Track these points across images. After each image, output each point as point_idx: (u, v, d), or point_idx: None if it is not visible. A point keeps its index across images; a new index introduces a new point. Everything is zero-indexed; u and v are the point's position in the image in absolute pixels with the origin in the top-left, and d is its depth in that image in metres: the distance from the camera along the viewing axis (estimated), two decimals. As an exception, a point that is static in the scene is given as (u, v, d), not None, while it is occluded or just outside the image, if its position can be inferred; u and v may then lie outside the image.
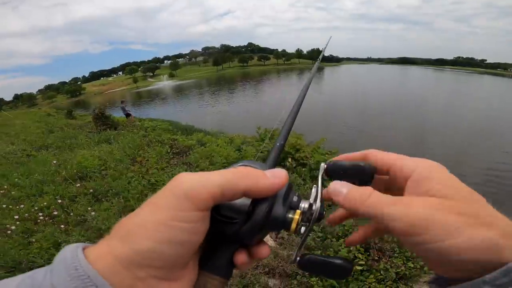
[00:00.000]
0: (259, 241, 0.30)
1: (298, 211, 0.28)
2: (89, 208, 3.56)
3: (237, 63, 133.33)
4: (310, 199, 0.29)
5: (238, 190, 0.25)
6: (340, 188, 0.29)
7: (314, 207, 0.28)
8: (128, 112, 12.47)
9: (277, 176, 0.27)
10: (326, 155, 5.79)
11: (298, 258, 0.30)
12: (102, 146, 6.48)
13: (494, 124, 22.67)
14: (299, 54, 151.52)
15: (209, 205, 0.24)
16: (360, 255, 2.62)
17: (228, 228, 0.27)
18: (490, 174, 12.62)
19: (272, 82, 61.42)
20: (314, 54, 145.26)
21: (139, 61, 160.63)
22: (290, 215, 0.28)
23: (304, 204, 0.29)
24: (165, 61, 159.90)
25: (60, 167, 4.95)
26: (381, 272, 2.50)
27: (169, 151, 5.78)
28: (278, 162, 0.35)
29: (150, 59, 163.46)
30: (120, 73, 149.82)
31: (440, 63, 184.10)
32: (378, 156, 0.31)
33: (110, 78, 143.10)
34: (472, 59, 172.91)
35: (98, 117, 8.90)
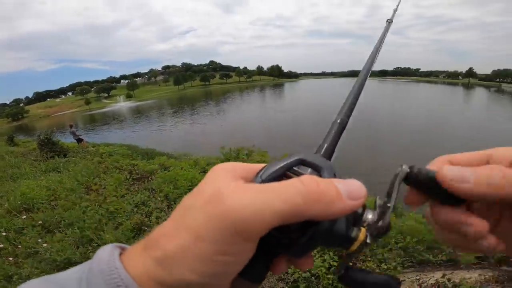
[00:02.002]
0: (307, 257, 0.25)
1: (363, 229, 0.23)
2: (39, 240, 3.42)
3: (199, 82, 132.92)
4: (376, 210, 0.23)
5: (303, 218, 0.20)
6: (464, 172, 0.21)
7: (380, 222, 0.23)
8: (80, 136, 11.51)
9: (355, 197, 0.21)
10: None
11: (342, 271, 0.24)
12: (50, 175, 6.03)
13: (435, 125, 25.76)
14: (260, 71, 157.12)
15: (263, 234, 0.20)
16: (334, 263, 2.64)
17: (277, 242, 0.22)
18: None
19: (235, 101, 62.26)
20: (274, 70, 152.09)
21: (92, 80, 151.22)
22: (353, 234, 0.22)
23: (369, 216, 0.23)
24: (122, 81, 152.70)
25: (2, 198, 4.67)
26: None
27: (128, 177, 5.43)
28: (332, 155, 0.28)
29: (104, 78, 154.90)
30: (70, 93, 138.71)
31: (383, 74, 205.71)
32: (471, 156, 0.25)
33: (58, 100, 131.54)
34: (408, 68, 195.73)
35: (44, 143, 8.02)
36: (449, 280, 2.39)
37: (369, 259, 2.84)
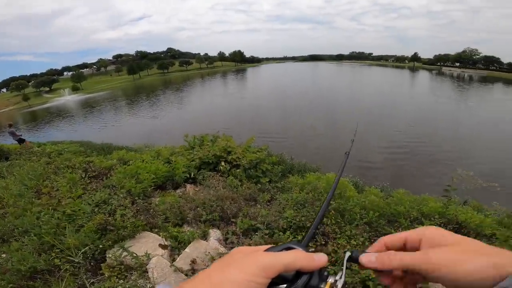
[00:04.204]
0: None
1: (329, 282, 0.38)
2: (-4, 251, 3.07)
3: (157, 70, 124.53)
4: (336, 276, 0.40)
5: (296, 267, 0.37)
6: (369, 258, 0.41)
7: (338, 283, 0.39)
8: (21, 137, 10.26)
9: (321, 260, 0.39)
10: (257, 152, 6.03)
11: None
12: (-8, 182, 5.29)
13: (385, 106, 28.02)
14: (221, 56, 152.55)
15: (274, 275, 0.35)
16: (309, 244, 2.81)
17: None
18: (389, 151, 15.55)
19: (196, 87, 60.01)
20: (236, 56, 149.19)
21: (29, 74, 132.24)
22: (322, 286, 0.38)
23: (331, 279, 0.39)
24: (65, 73, 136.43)
25: None
26: (332, 254, 2.65)
27: (84, 175, 5.02)
28: (311, 239, 0.49)
29: (44, 71, 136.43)
30: (4, 90, 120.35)
31: (339, 58, 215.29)
32: (394, 238, 0.43)
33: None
34: (362, 53, 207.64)
35: (-23, 149, 7.00)
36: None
37: (339, 236, 3.02)
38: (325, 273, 0.40)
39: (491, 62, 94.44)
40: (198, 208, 3.69)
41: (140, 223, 3.22)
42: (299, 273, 0.38)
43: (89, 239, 2.86)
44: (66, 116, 37.34)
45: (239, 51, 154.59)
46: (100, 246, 2.80)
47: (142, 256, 2.68)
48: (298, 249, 0.41)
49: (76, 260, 2.63)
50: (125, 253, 2.61)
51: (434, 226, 0.42)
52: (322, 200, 3.51)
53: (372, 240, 2.98)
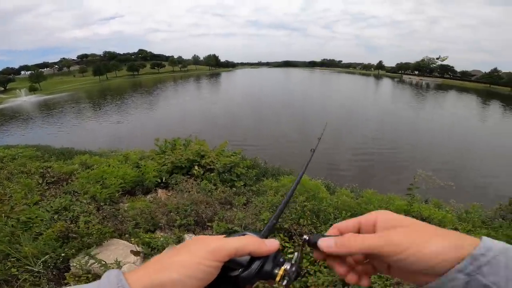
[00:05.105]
0: (250, 286, 0.40)
1: (282, 268, 0.39)
2: None
3: (126, 72, 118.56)
4: (292, 261, 0.40)
5: (246, 251, 0.38)
6: (328, 242, 0.40)
7: (293, 268, 0.39)
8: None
9: (272, 245, 0.40)
10: (232, 156, 5.99)
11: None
12: None
13: (351, 112, 29.59)
14: (195, 60, 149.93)
15: (225, 260, 0.36)
16: (287, 244, 2.81)
17: (231, 273, 0.38)
18: (359, 152, 16.40)
19: (168, 90, 58.33)
20: (211, 60, 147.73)
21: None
22: (276, 270, 0.39)
23: (286, 266, 0.40)
24: (23, 72, 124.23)
25: None
26: (310, 254, 2.70)
27: (41, 181, 4.59)
28: (271, 231, 0.49)
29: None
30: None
31: (312, 65, 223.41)
32: (348, 223, 0.42)
33: None
34: (333, 60, 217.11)
35: None
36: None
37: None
38: (281, 259, 0.41)
39: (445, 70, 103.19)
40: (172, 213, 3.55)
41: (108, 230, 3.01)
42: (253, 259, 0.39)
43: (49, 248, 2.63)
44: (22, 118, 33.95)
45: (214, 55, 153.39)
46: (62, 254, 2.60)
47: (111, 263, 2.51)
48: (252, 235, 0.41)
49: (36, 269, 2.44)
50: (92, 261, 2.42)
51: (386, 210, 0.41)
52: (297, 202, 3.57)
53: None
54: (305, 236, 0.43)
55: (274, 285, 0.39)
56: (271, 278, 0.39)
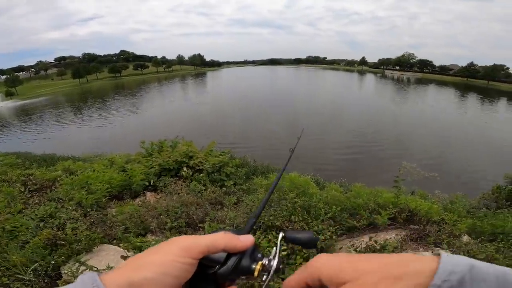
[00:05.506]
0: (231, 282, 0.40)
1: (260, 263, 0.40)
2: None
3: (107, 74, 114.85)
4: (270, 256, 0.41)
5: (218, 248, 0.38)
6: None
7: (272, 262, 0.40)
8: None
9: (246, 240, 0.40)
10: (220, 156, 5.97)
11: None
12: None
13: (340, 108, 30.12)
14: (180, 60, 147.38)
15: (199, 257, 0.37)
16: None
17: (209, 271, 0.38)
18: (348, 147, 16.72)
19: (152, 92, 57.13)
20: (196, 59, 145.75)
21: None
22: (253, 266, 0.39)
23: (265, 261, 0.40)
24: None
25: None
26: (304, 251, 2.68)
27: (23, 189, 4.42)
28: (251, 230, 0.49)
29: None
30: None
31: (297, 62, 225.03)
32: (297, 284, 0.38)
33: None
34: (318, 57, 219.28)
35: None
36: (376, 242, 2.76)
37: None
38: (259, 255, 0.41)
39: (425, 65, 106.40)
40: (162, 216, 3.50)
41: (97, 236, 2.94)
42: (230, 256, 0.39)
43: (37, 256, 2.55)
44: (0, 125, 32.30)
45: (199, 54, 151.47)
46: (52, 262, 2.53)
47: (103, 269, 2.46)
48: (227, 233, 0.41)
49: (27, 278, 2.37)
50: (83, 268, 2.37)
51: (324, 255, 0.35)
52: (288, 199, 3.60)
53: (338, 234, 3.12)
54: (281, 233, 0.44)
55: (256, 281, 0.39)
56: (249, 273, 0.39)
